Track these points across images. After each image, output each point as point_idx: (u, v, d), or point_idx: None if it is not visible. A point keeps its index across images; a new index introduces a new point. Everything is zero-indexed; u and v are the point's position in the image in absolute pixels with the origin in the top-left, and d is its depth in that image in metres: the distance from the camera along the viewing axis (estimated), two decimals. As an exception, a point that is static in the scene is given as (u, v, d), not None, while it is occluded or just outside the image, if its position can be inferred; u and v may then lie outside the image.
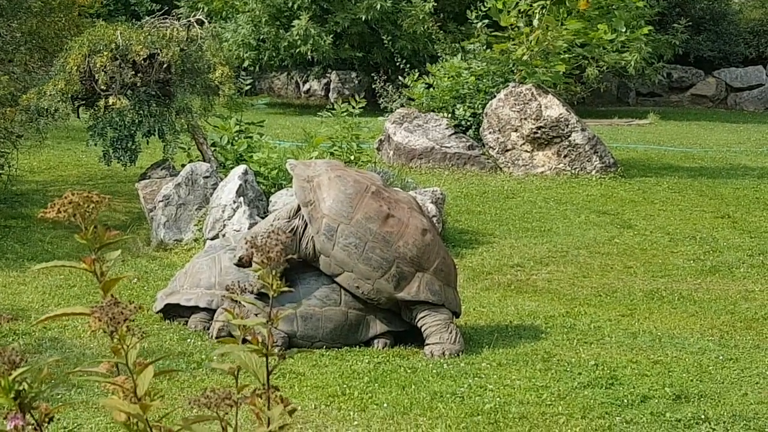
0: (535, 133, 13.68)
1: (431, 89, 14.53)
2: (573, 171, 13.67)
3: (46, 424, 1.78)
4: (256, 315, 2.11)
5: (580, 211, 11.64)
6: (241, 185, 9.24)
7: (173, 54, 10.34)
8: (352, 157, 10.68)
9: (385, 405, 5.70)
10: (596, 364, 6.47)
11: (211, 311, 7.07)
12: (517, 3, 13.66)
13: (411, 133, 14.22)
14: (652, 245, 10.15)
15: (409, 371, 6.32)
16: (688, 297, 8.31)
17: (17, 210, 10.95)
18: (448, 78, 14.40)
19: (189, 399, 1.84)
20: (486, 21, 14.78)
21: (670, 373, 6.32)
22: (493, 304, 8.00)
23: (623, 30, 13.95)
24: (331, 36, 20.49)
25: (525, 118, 13.67)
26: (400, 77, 15.82)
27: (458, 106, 14.31)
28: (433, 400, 5.78)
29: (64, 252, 9.34)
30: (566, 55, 13.73)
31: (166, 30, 10.66)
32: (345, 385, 6.00)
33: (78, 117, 11.11)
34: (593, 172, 13.66)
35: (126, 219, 10.65)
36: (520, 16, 13.62)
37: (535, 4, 13.53)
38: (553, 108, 13.72)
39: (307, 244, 6.76)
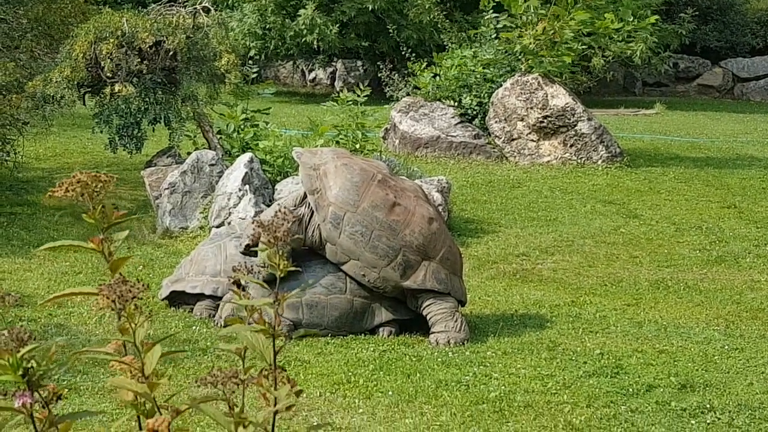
0: (541, 122, 13.66)
1: (437, 78, 14.52)
2: (579, 160, 13.65)
3: (54, 403, 1.78)
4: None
5: (585, 200, 11.63)
6: (246, 173, 9.24)
7: (179, 41, 10.33)
8: (357, 146, 10.67)
9: (390, 393, 5.70)
10: (601, 353, 6.47)
11: (216, 299, 7.08)
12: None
13: (417, 122, 14.20)
14: (657, 235, 10.14)
15: (414, 359, 6.32)
16: (693, 287, 8.30)
17: (23, 197, 10.97)
18: (455, 67, 14.38)
19: (196, 378, 1.84)
20: (496, 15, 14.76)
21: (676, 363, 6.32)
22: (498, 293, 8.00)
23: (630, 19, 13.92)
24: (337, 25, 20.47)
25: (531, 108, 13.64)
26: (405, 67, 15.80)
27: (464, 95, 14.29)
28: (438, 389, 5.77)
29: (70, 238, 9.32)
30: (573, 44, 13.70)
31: (173, 17, 10.65)
32: (350, 373, 6.00)
33: (84, 104, 11.11)
34: (599, 162, 13.64)
35: (132, 206, 10.65)
36: (529, 8, 13.58)
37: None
38: (560, 97, 13.70)
39: (313, 232, 6.76)
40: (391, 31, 20.46)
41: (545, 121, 13.65)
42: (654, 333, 6.98)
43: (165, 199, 9.68)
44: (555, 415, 5.42)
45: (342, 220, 6.67)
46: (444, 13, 18.96)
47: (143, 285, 1.81)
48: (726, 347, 6.65)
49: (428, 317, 6.74)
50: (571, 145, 13.69)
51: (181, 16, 10.69)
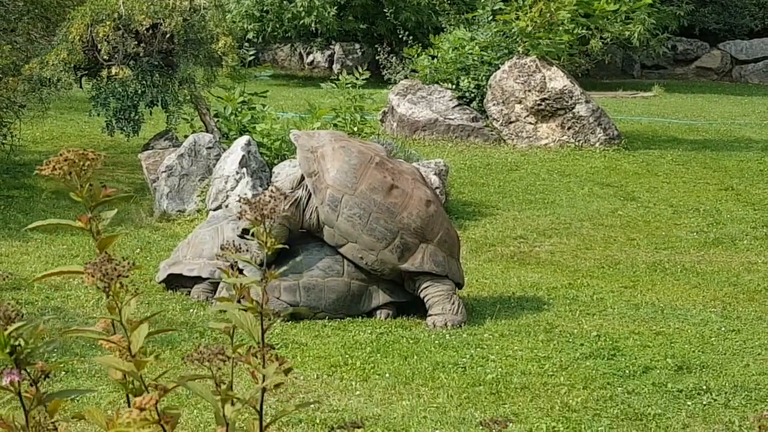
0: (539, 105, 13.63)
1: (435, 60, 14.48)
2: (577, 143, 13.63)
3: (42, 381, 1.78)
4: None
5: (583, 183, 11.62)
6: (244, 156, 9.23)
7: (176, 24, 10.30)
8: (355, 129, 10.65)
9: (387, 375, 5.70)
10: (598, 335, 6.47)
11: (214, 282, 7.08)
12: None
13: (414, 104, 14.17)
14: (655, 217, 10.14)
15: (411, 342, 6.32)
16: (690, 269, 8.30)
17: (20, 180, 10.95)
18: (453, 50, 14.34)
19: (183, 356, 1.84)
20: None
21: (672, 344, 6.32)
22: (495, 276, 8.00)
23: (627, 0, 13.87)
24: (335, 8, 20.41)
25: (529, 90, 13.62)
26: (403, 49, 15.76)
27: (462, 77, 14.25)
28: (435, 371, 5.78)
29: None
30: (570, 25, 13.65)
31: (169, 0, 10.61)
32: (347, 356, 6.01)
33: (81, 87, 11.08)
34: (597, 145, 13.62)
35: (129, 189, 10.64)
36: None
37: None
38: (557, 80, 13.67)
39: (311, 215, 6.75)
40: (388, 13, 20.40)
41: (543, 103, 13.63)
42: (651, 315, 6.98)
43: (162, 182, 9.67)
44: (552, 396, 5.43)
45: (340, 202, 6.66)
46: (442, -5, 18.91)
47: (129, 263, 1.81)
48: (723, 329, 6.66)
49: (425, 300, 6.74)
50: (569, 128, 13.67)
51: (177, -1, 10.64)
